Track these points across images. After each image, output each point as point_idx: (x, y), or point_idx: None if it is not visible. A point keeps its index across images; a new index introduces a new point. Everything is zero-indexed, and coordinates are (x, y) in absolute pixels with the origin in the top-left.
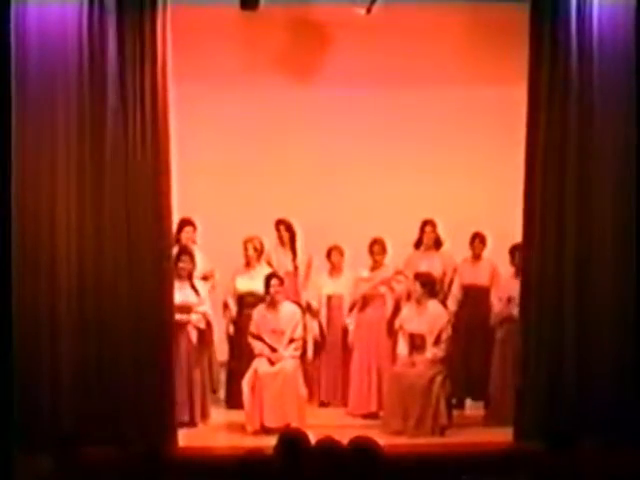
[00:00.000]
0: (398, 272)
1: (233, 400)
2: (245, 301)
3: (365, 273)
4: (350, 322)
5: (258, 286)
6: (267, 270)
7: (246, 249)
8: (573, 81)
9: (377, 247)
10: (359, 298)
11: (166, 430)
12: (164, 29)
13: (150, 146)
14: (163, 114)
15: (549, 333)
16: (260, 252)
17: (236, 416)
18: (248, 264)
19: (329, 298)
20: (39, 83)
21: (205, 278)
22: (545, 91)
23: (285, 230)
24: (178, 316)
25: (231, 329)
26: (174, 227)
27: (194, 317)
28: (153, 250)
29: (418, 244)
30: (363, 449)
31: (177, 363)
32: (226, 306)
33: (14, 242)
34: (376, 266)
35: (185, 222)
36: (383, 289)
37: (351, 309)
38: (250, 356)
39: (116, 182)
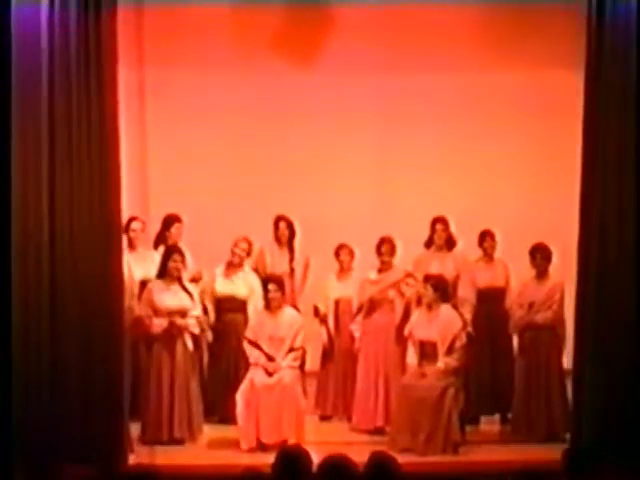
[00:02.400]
0: (408, 274)
1: (211, 413)
2: (223, 306)
3: (373, 275)
4: (356, 328)
5: (240, 290)
6: (250, 274)
7: (234, 251)
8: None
9: (386, 247)
10: (366, 302)
11: (115, 449)
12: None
13: (97, 145)
14: (112, 110)
15: (605, 343)
16: (247, 255)
17: (223, 432)
18: (230, 266)
19: (337, 302)
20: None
21: (194, 280)
22: (604, 90)
23: (286, 228)
24: (176, 320)
25: (209, 336)
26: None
27: (190, 322)
28: (100, 252)
29: (429, 243)
30: (384, 468)
31: (175, 373)
32: (206, 311)
33: None
34: (384, 267)
35: (173, 218)
36: (392, 293)
37: (357, 313)
38: (228, 366)
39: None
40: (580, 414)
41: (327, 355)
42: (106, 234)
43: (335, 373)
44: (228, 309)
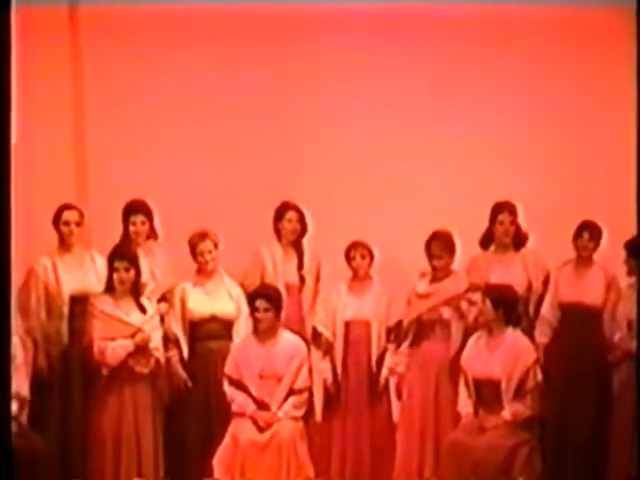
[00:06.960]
0: (473, 286)
1: None
2: (202, 332)
3: (422, 286)
4: (399, 360)
5: (221, 307)
6: (227, 281)
7: (196, 251)
8: None
9: (439, 245)
10: (413, 324)
11: None
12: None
13: None
14: None
15: None
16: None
17: None
18: (202, 271)
19: (348, 325)
20: None
21: (164, 299)
22: None
23: (297, 221)
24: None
25: (183, 376)
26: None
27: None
28: None
29: (487, 241)
30: None
31: (124, 430)
32: (169, 339)
33: None
34: (439, 275)
35: (134, 207)
36: (448, 312)
37: (400, 339)
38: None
39: None
40: None
41: (331, 402)
42: None
43: (341, 429)
44: (206, 335)
